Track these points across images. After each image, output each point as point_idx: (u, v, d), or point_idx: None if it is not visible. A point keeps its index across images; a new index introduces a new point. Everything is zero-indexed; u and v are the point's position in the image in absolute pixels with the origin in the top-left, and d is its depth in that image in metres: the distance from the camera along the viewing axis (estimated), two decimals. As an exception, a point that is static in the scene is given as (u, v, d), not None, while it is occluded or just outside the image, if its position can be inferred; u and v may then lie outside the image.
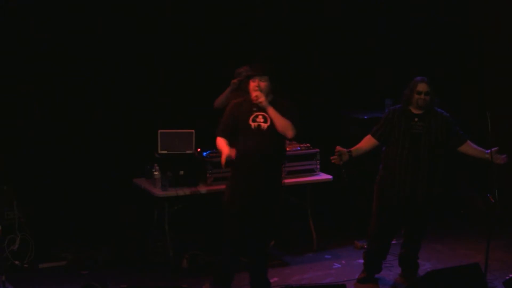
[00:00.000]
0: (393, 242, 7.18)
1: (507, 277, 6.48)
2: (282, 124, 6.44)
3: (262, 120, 6.52)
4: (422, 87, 6.75)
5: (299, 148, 7.98)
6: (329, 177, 7.99)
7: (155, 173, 7.50)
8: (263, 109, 6.50)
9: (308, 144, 8.05)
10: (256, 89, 6.49)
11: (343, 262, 7.74)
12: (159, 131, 7.60)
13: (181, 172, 7.43)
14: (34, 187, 8.02)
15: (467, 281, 6.07)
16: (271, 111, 6.47)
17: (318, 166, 7.99)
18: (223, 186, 7.54)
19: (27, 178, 8.02)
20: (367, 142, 6.94)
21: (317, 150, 7.99)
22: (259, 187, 6.55)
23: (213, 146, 7.74)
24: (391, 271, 7.29)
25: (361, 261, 7.26)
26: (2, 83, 7.93)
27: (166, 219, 7.53)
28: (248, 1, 9.00)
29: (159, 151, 7.60)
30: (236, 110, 6.61)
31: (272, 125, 6.48)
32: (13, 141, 8.03)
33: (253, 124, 6.52)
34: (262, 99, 6.46)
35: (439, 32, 9.49)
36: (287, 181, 7.75)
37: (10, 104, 8.03)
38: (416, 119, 6.75)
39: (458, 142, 6.82)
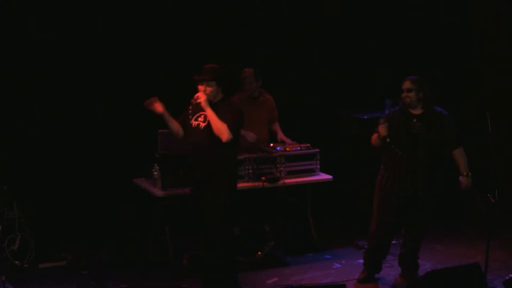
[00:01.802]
0: (393, 242, 7.19)
1: (507, 277, 6.47)
2: (218, 126, 6.51)
3: (202, 119, 6.62)
4: (405, 84, 6.77)
5: (299, 148, 7.99)
6: (329, 177, 7.99)
7: (155, 173, 7.50)
8: (201, 108, 6.61)
9: (308, 144, 8.05)
10: (202, 92, 6.60)
11: (343, 262, 7.74)
12: (159, 131, 7.60)
13: (181, 172, 7.43)
14: (34, 187, 8.03)
15: (467, 281, 6.07)
16: (209, 112, 6.55)
17: (318, 166, 7.99)
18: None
19: (27, 178, 8.03)
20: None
21: (317, 150, 7.99)
22: (200, 188, 6.61)
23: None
24: (391, 271, 7.29)
25: (361, 261, 7.27)
26: (2, 83, 7.94)
27: (166, 219, 7.53)
28: (248, 1, 9.00)
29: (159, 151, 7.60)
30: (191, 107, 6.70)
31: (210, 125, 6.55)
32: (13, 141, 8.04)
33: (194, 123, 6.64)
34: (202, 99, 6.56)
35: (439, 32, 9.48)
36: (287, 181, 7.77)
37: (10, 104, 8.04)
38: (415, 120, 6.75)
39: (449, 147, 6.81)
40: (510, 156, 8.83)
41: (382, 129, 6.74)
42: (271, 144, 8.06)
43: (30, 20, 8.02)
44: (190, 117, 6.68)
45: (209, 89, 6.59)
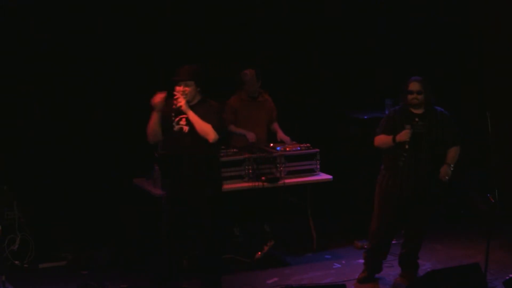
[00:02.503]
0: (393, 242, 7.19)
1: (507, 277, 6.47)
2: (202, 128, 6.43)
3: (184, 123, 6.53)
4: (413, 86, 6.75)
5: (299, 148, 7.99)
6: (329, 177, 7.99)
7: (155, 173, 7.49)
8: (182, 112, 6.50)
9: (308, 144, 8.05)
10: (180, 94, 6.49)
11: (343, 262, 7.74)
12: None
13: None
14: (34, 187, 8.03)
15: (467, 281, 6.07)
16: (191, 115, 6.45)
17: (318, 166, 7.98)
18: (223, 186, 7.55)
19: (27, 178, 8.03)
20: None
21: (317, 150, 7.98)
22: (183, 191, 6.55)
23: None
24: (391, 271, 7.28)
25: (361, 261, 7.27)
26: (2, 83, 7.94)
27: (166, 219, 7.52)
28: (248, 1, 9.00)
29: (159, 151, 7.59)
30: (165, 108, 6.54)
31: (193, 128, 6.46)
32: (13, 141, 8.04)
33: (176, 127, 6.54)
34: (182, 103, 6.46)
35: (439, 32, 9.49)
36: (287, 181, 7.77)
37: (10, 104, 8.04)
38: (416, 119, 6.74)
39: (448, 146, 6.80)
40: (510, 156, 8.84)
41: (406, 135, 6.67)
42: (271, 144, 8.06)
43: (30, 20, 8.02)
44: (167, 121, 6.53)
45: (187, 89, 6.50)
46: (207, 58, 8.70)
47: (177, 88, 6.52)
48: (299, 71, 9.30)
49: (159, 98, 6.44)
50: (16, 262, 7.53)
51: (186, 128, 6.51)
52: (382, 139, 6.82)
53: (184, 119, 6.52)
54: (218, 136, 6.46)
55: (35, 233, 7.70)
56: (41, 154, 8.12)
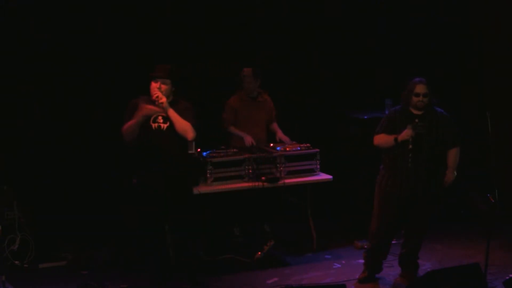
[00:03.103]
0: (393, 242, 7.19)
1: (507, 277, 6.47)
2: (182, 126, 6.52)
3: (161, 121, 6.58)
4: (420, 88, 6.73)
5: (299, 148, 7.99)
6: (329, 177, 7.99)
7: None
8: (163, 109, 6.54)
9: (308, 144, 8.05)
10: (157, 90, 6.55)
11: (343, 262, 7.74)
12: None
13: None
14: (34, 187, 8.02)
15: (467, 281, 6.07)
16: (171, 113, 6.53)
17: (318, 166, 7.98)
18: (223, 186, 7.57)
19: (27, 178, 8.02)
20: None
21: (317, 150, 7.98)
22: (159, 189, 6.56)
23: (214, 146, 7.76)
24: (391, 271, 7.28)
25: (361, 261, 7.27)
26: (2, 83, 7.93)
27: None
28: (248, 1, 9.00)
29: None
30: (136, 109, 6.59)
31: (172, 126, 6.53)
32: (13, 141, 8.03)
33: (153, 125, 6.57)
34: (163, 100, 6.52)
35: (439, 32, 9.49)
36: (287, 181, 7.77)
37: (10, 104, 8.03)
38: (416, 120, 6.74)
39: (448, 146, 6.80)
40: (510, 156, 8.83)
41: (408, 134, 6.64)
42: (271, 144, 8.06)
43: (30, 20, 8.01)
44: (148, 119, 6.56)
45: (164, 86, 6.57)
46: (207, 58, 8.71)
47: (153, 84, 6.60)
48: (299, 71, 9.29)
49: (148, 108, 6.50)
50: (16, 262, 7.53)
51: (164, 126, 6.57)
52: (383, 138, 6.82)
53: (160, 117, 6.58)
54: (195, 134, 6.55)
55: (35, 233, 7.70)
56: (41, 154, 8.12)
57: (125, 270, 7.51)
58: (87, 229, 8.08)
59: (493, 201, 6.51)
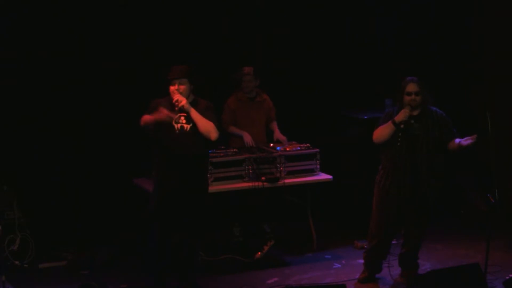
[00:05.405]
0: (393, 242, 7.19)
1: (507, 277, 6.48)
2: (205, 126, 6.49)
3: (184, 121, 6.55)
4: (411, 87, 6.72)
5: (299, 148, 7.99)
6: (329, 177, 7.99)
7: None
8: (184, 110, 6.52)
9: (308, 144, 8.05)
10: (176, 92, 6.53)
11: (343, 262, 7.74)
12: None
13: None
14: (34, 187, 8.02)
15: (467, 281, 6.08)
16: (194, 113, 6.51)
17: (318, 166, 7.98)
18: (223, 186, 7.56)
19: (27, 178, 8.02)
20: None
21: (317, 150, 7.98)
22: (176, 188, 6.56)
23: (214, 146, 7.76)
24: (391, 271, 7.28)
25: (361, 261, 7.27)
26: (2, 83, 7.93)
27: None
28: (248, 1, 8.99)
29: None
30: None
31: (194, 126, 6.50)
32: (13, 141, 8.03)
33: (176, 126, 6.55)
34: (183, 102, 6.49)
35: (439, 32, 9.48)
36: (287, 181, 7.77)
37: (10, 104, 8.03)
38: (412, 121, 6.73)
39: (447, 139, 6.78)
40: (510, 156, 8.83)
41: (405, 114, 6.61)
42: (271, 144, 8.06)
43: (30, 20, 8.01)
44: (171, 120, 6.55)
45: (182, 87, 6.54)
46: (207, 58, 8.70)
47: (171, 87, 6.58)
48: (299, 71, 9.28)
49: (164, 114, 6.44)
50: (16, 262, 7.53)
51: (187, 127, 6.54)
52: (380, 128, 6.79)
53: (183, 118, 6.55)
54: (219, 134, 6.51)
55: (35, 233, 7.70)
56: (42, 154, 8.12)
57: (125, 270, 7.51)
58: (87, 229, 8.08)
59: (493, 201, 6.51)
